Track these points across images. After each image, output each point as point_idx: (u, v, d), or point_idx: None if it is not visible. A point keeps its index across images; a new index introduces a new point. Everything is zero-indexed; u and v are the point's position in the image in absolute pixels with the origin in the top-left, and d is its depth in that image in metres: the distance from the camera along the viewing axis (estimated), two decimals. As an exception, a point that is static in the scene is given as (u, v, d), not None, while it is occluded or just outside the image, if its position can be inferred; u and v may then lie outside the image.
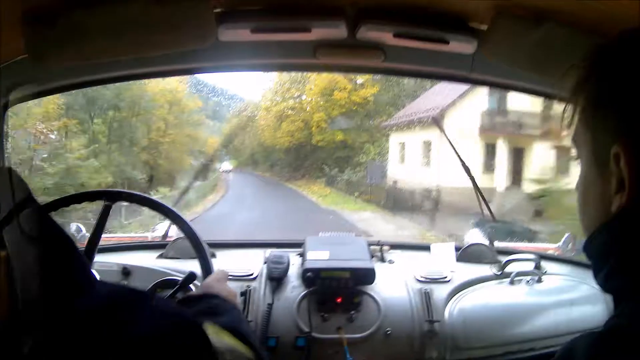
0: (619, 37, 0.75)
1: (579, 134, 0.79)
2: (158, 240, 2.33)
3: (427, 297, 1.93)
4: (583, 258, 2.29)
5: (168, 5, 1.32)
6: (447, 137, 2.65)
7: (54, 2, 1.28)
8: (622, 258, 0.70)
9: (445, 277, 2.04)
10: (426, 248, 2.24)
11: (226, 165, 30.78)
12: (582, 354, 0.65)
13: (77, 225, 2.29)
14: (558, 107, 0.83)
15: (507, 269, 2.09)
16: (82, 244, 2.22)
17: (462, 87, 15.20)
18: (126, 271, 1.89)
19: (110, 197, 1.68)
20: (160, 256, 2.16)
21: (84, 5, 1.29)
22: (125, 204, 1.75)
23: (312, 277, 1.88)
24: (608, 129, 0.72)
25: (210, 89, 24.90)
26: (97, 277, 1.54)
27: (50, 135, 15.20)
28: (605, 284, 0.75)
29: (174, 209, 1.64)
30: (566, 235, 2.48)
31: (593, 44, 1.33)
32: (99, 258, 1.98)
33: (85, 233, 2.28)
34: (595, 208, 0.76)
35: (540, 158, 15.59)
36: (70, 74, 1.72)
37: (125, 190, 1.69)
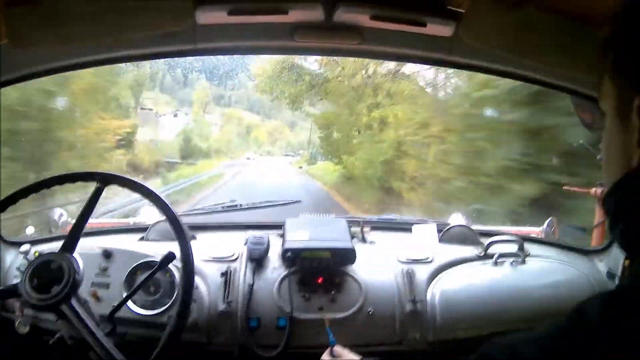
0: None
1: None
2: (140, 224, 2.33)
3: (409, 277, 1.94)
4: (567, 241, 2.32)
5: None
6: None
7: None
8: None
9: (427, 258, 2.05)
10: (408, 229, 2.25)
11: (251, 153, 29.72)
12: (596, 315, 0.65)
13: (60, 212, 2.30)
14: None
15: (490, 251, 2.10)
16: (64, 230, 2.25)
17: None
18: (107, 254, 1.89)
19: (103, 179, 1.69)
20: (141, 239, 2.17)
21: None
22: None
23: (293, 258, 1.89)
24: (632, 82, 0.72)
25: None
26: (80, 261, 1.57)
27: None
28: (621, 240, 0.74)
29: (155, 191, 1.65)
30: (549, 218, 2.49)
31: (572, 28, 1.35)
32: (80, 242, 1.99)
33: (67, 219, 2.30)
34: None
35: None
36: (51, 58, 1.72)
37: (118, 174, 1.70)
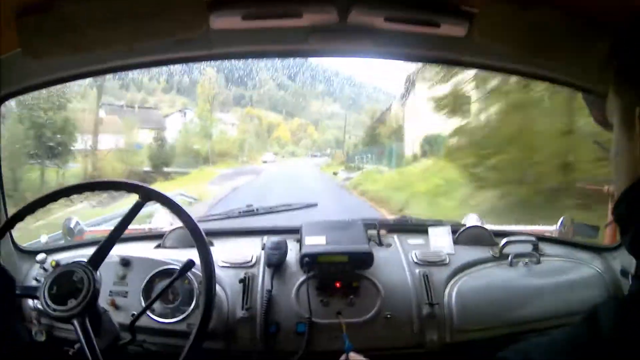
0: None
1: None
2: (156, 230, 2.33)
3: (426, 279, 1.94)
4: (581, 239, 2.32)
5: None
6: None
7: None
8: None
9: (444, 260, 2.06)
10: (424, 231, 2.25)
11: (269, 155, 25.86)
12: (609, 319, 0.66)
13: (76, 220, 2.31)
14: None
15: (505, 251, 2.11)
16: (79, 237, 2.25)
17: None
18: (125, 262, 1.90)
19: (145, 195, 1.68)
20: (158, 246, 2.17)
21: None
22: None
23: (310, 263, 1.89)
24: (635, 93, 0.74)
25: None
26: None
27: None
28: (631, 247, 0.75)
29: (172, 198, 1.66)
30: (562, 217, 2.49)
31: (585, 26, 1.35)
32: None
33: (83, 227, 2.30)
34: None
35: None
36: (63, 67, 1.72)
37: (157, 191, 1.69)
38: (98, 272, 1.53)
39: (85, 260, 1.55)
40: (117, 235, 1.63)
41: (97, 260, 1.56)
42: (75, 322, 1.44)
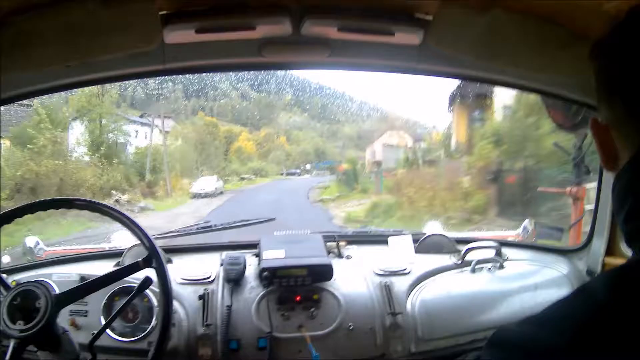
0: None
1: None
2: (114, 249, 2.29)
3: (387, 290, 1.95)
4: (545, 242, 2.33)
5: (114, 8, 1.32)
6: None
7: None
8: (636, 200, 0.72)
9: (405, 269, 2.06)
10: (384, 242, 2.26)
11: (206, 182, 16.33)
12: (606, 289, 0.66)
13: (36, 239, 2.27)
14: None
15: (468, 258, 2.12)
16: (39, 257, 2.21)
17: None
18: (84, 280, 1.87)
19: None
20: (117, 264, 2.12)
21: (29, 11, 1.29)
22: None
23: (269, 277, 1.88)
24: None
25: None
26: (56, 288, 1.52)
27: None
28: (625, 229, 0.75)
29: (129, 216, 1.64)
30: (525, 221, 2.51)
31: (539, 28, 1.37)
32: (57, 269, 1.96)
33: (43, 246, 2.26)
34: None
35: None
36: (19, 84, 1.69)
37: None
38: (56, 289, 1.49)
39: (49, 281, 1.51)
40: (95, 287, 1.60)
41: (65, 300, 1.51)
42: (11, 344, 1.39)
